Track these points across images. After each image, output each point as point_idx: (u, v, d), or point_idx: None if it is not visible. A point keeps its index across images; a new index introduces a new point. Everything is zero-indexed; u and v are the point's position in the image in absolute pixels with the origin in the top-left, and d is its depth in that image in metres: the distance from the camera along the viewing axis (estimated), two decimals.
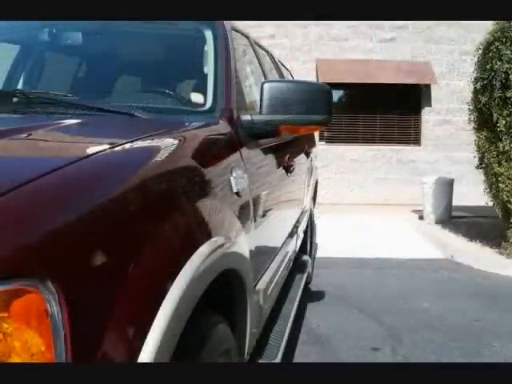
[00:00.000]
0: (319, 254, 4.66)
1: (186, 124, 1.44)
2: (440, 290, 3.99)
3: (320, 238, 4.90)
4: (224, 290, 1.28)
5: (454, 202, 6.60)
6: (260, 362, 1.76)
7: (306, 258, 3.51)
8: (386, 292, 3.91)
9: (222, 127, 1.52)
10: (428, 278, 4.39)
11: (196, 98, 1.73)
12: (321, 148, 8.18)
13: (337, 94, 8.54)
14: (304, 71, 8.06)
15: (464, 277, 4.42)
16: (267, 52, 2.85)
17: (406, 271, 4.55)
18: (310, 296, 3.66)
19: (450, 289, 4.06)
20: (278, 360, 1.81)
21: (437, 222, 6.32)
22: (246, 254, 1.39)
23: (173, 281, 0.89)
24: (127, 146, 1.05)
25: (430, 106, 8.28)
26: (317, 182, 4.39)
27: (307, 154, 3.43)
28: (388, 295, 3.82)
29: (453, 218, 6.44)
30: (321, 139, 8.32)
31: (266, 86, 1.57)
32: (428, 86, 8.18)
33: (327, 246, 4.95)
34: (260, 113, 1.57)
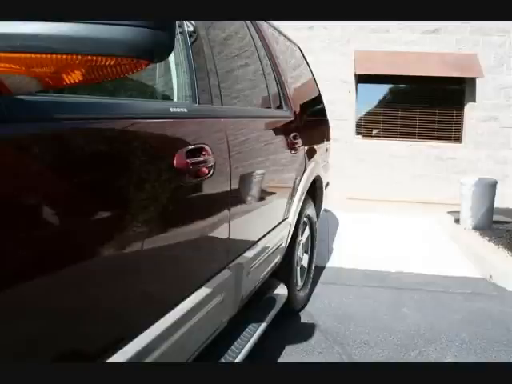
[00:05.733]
0: (330, 263, 4.30)
1: None
2: (472, 331, 2.99)
3: (338, 241, 4.64)
4: None
5: (496, 205, 5.90)
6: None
7: (280, 290, 2.65)
8: (399, 331, 2.97)
9: None
10: (458, 308, 3.38)
11: None
12: (356, 142, 7.97)
13: (375, 87, 8.28)
14: (341, 63, 7.86)
15: (506, 309, 3.37)
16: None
17: (429, 295, 3.62)
18: (295, 332, 2.85)
19: (486, 330, 3.02)
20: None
21: (475, 228, 5.65)
22: None
23: None
24: None
25: (475, 101, 7.87)
26: (328, 184, 3.90)
27: (293, 148, 2.74)
28: (401, 335, 2.91)
29: (494, 223, 5.75)
30: (358, 133, 8.12)
31: None
32: (473, 80, 7.77)
33: (342, 250, 4.60)
34: None
